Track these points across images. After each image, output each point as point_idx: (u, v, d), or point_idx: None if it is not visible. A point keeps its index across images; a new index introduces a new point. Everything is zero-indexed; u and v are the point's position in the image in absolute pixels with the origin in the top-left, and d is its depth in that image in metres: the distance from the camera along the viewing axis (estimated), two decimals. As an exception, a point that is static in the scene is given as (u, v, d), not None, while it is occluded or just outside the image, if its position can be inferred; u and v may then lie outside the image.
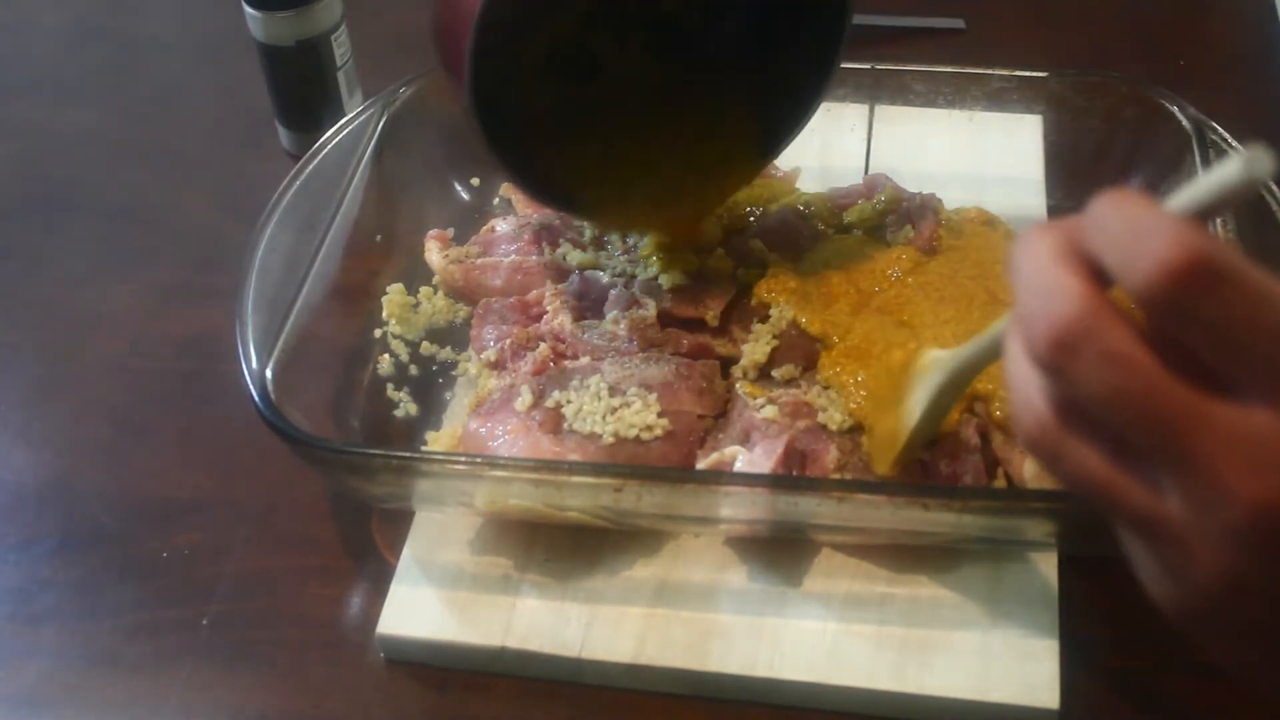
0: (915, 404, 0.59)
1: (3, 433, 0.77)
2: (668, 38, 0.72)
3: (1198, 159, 0.72)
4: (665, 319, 0.71)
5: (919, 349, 0.63)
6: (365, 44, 0.91)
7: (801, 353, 0.69)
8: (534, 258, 0.77)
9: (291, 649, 0.65)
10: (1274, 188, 0.67)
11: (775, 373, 0.69)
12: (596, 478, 0.61)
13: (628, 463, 0.64)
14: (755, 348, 0.69)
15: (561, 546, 0.66)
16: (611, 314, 0.72)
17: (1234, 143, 0.72)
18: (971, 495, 0.62)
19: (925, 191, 0.76)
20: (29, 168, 0.96)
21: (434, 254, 0.79)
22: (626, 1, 0.71)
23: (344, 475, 0.66)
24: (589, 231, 0.78)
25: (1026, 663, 0.60)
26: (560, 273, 0.76)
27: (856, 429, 0.65)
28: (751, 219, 0.77)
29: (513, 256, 0.77)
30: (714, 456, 0.65)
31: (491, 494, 0.62)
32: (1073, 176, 0.82)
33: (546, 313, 0.73)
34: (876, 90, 0.83)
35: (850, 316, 0.69)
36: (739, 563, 0.65)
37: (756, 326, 0.70)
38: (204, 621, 0.67)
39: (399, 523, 0.68)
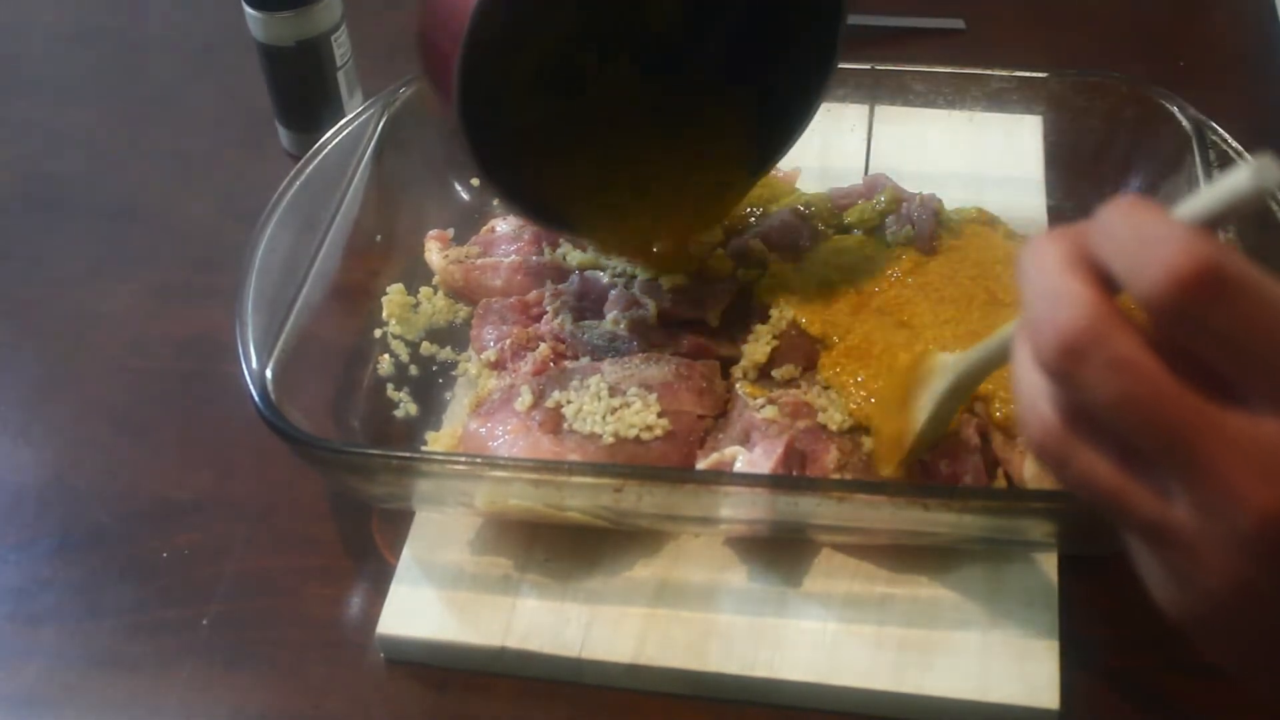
0: (922, 407, 0.59)
1: (3, 433, 0.77)
2: (657, 53, 0.72)
3: (1198, 159, 0.72)
4: (665, 319, 0.71)
5: (925, 351, 0.63)
6: (365, 44, 0.91)
7: (801, 353, 0.69)
8: (534, 258, 0.77)
9: (291, 649, 0.65)
10: (1278, 194, 0.67)
11: (775, 373, 0.69)
12: (596, 478, 0.61)
13: (628, 463, 0.64)
14: (755, 348, 0.69)
15: (561, 546, 0.66)
16: (611, 314, 0.72)
17: (1234, 143, 0.72)
18: (971, 495, 0.62)
19: (925, 191, 0.76)
20: (29, 168, 0.96)
21: (434, 254, 0.79)
22: (614, 17, 0.70)
23: (344, 475, 0.66)
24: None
25: (1026, 663, 0.60)
26: (560, 273, 0.76)
27: (856, 429, 0.65)
28: (751, 219, 0.77)
29: (513, 256, 0.77)
30: (714, 456, 0.65)
31: (491, 494, 0.62)
32: (1073, 176, 0.82)
33: (546, 313, 0.73)
34: (876, 90, 0.83)
35: (850, 316, 0.69)
36: (739, 563, 0.65)
37: (756, 326, 0.70)
38: (204, 621, 0.67)
39: (399, 523, 0.68)
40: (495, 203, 0.85)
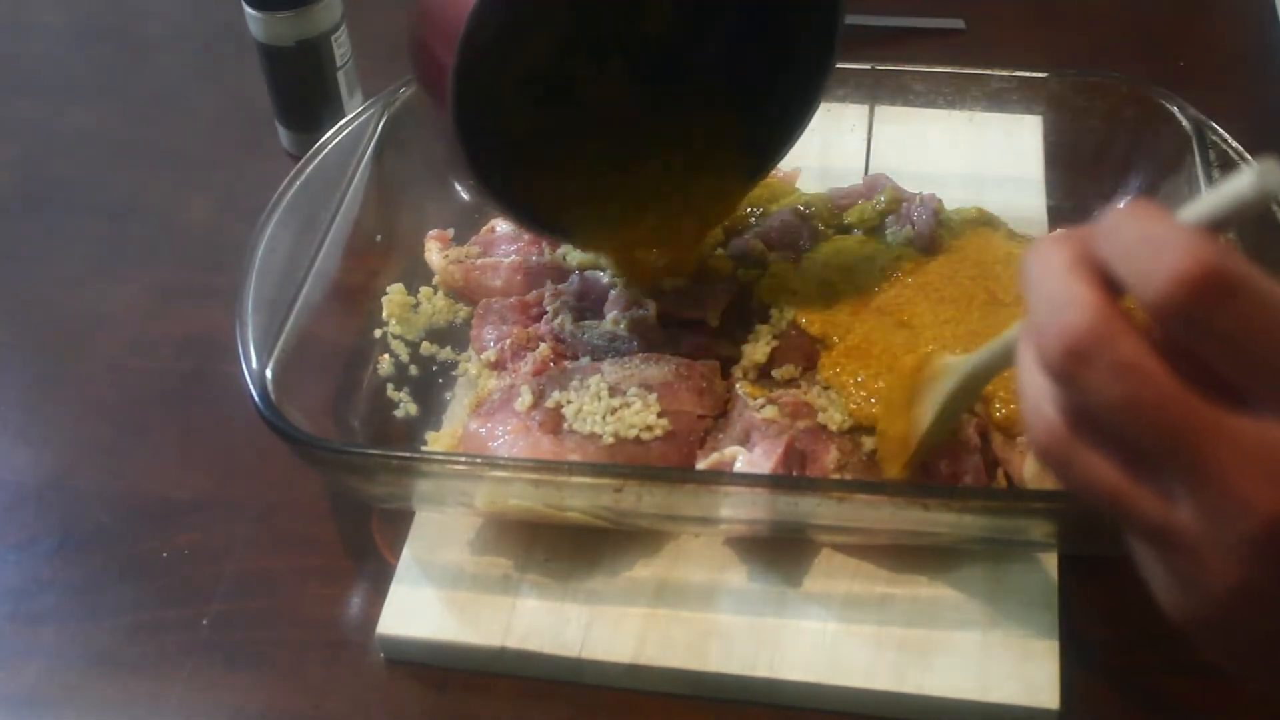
0: (927, 409, 0.59)
1: (3, 433, 0.77)
2: (653, 58, 0.71)
3: (1198, 159, 0.72)
4: (665, 319, 0.71)
5: (931, 353, 0.63)
6: (365, 44, 0.91)
7: (801, 353, 0.69)
8: (534, 258, 0.77)
9: (291, 649, 0.65)
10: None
11: (775, 373, 0.69)
12: (596, 478, 0.61)
13: (628, 463, 0.64)
14: (755, 348, 0.69)
15: (561, 546, 0.66)
16: (611, 314, 0.72)
17: (1234, 143, 0.72)
18: (971, 495, 0.62)
19: (925, 191, 0.76)
20: (29, 168, 0.96)
21: (434, 254, 0.79)
22: (608, 23, 0.70)
23: (344, 475, 0.66)
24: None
25: (1026, 663, 0.60)
26: (560, 273, 0.76)
27: (856, 429, 0.65)
28: (751, 219, 0.77)
29: (513, 256, 0.77)
30: (714, 456, 0.65)
31: (491, 494, 0.62)
32: (1073, 176, 0.82)
33: (546, 313, 0.73)
34: (876, 90, 0.83)
35: (850, 316, 0.69)
36: (739, 563, 0.65)
37: (756, 326, 0.70)
38: (204, 621, 0.67)
39: (399, 523, 0.68)
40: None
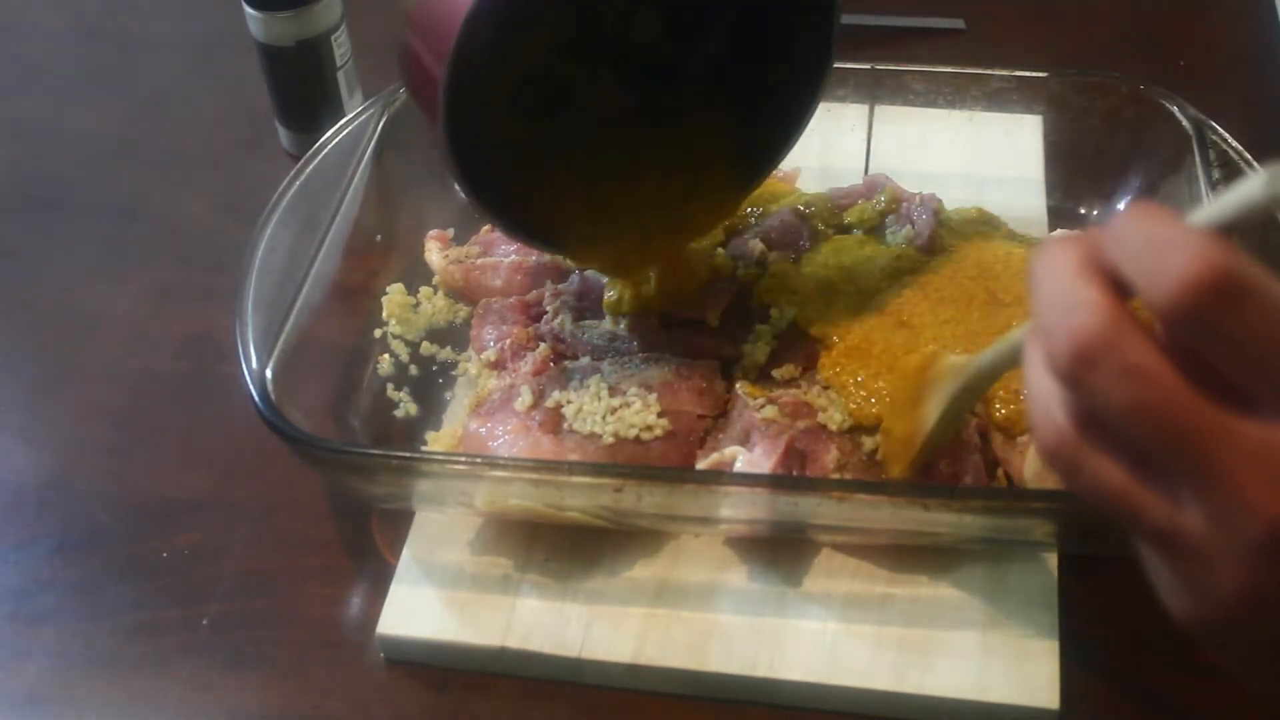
0: (932, 409, 0.59)
1: (3, 433, 0.77)
2: (646, 65, 0.71)
3: (1198, 159, 0.72)
4: (665, 319, 0.71)
5: (935, 353, 0.63)
6: (365, 44, 0.91)
7: (801, 353, 0.69)
8: (534, 258, 0.77)
9: (291, 649, 0.65)
10: None
11: (775, 373, 0.69)
12: (596, 478, 0.61)
13: (628, 463, 0.64)
14: (755, 348, 0.69)
15: (561, 546, 0.66)
16: (611, 314, 0.72)
17: (1234, 143, 0.72)
18: (971, 495, 0.62)
19: (925, 191, 0.76)
20: (29, 168, 0.96)
21: (434, 254, 0.79)
22: (601, 31, 0.69)
23: (344, 475, 0.66)
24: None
25: (1026, 663, 0.60)
26: (560, 273, 0.76)
27: (856, 429, 0.65)
28: (751, 219, 0.77)
29: (513, 256, 0.77)
30: (714, 456, 0.65)
31: (491, 494, 0.62)
32: (1073, 176, 0.82)
33: (546, 313, 0.73)
34: (876, 90, 0.83)
35: (850, 316, 0.69)
36: (739, 563, 0.65)
37: (756, 326, 0.70)
38: (204, 621, 0.67)
39: (399, 523, 0.68)
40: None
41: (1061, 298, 0.37)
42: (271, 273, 0.69)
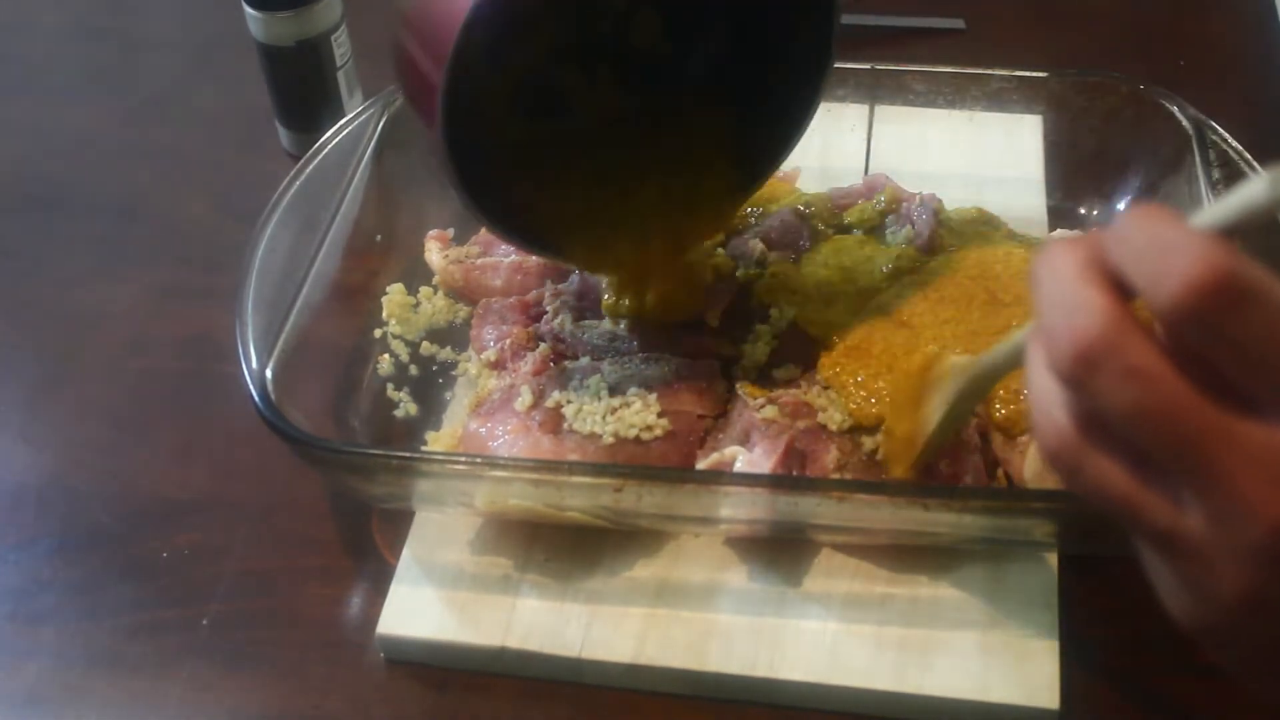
0: (934, 409, 0.59)
1: (3, 433, 0.77)
2: (644, 69, 0.70)
3: (1198, 159, 0.72)
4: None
5: (938, 354, 0.63)
6: (365, 44, 0.91)
7: (801, 353, 0.69)
8: (534, 258, 0.77)
9: (291, 649, 0.65)
10: None
11: (775, 373, 0.69)
12: (596, 478, 0.61)
13: (628, 463, 0.64)
14: (755, 348, 0.69)
15: (561, 546, 0.66)
16: (611, 314, 0.72)
17: (1234, 143, 0.72)
18: (971, 495, 0.62)
19: (925, 191, 0.76)
20: (29, 168, 0.96)
21: (434, 254, 0.79)
22: (599, 34, 0.69)
23: (344, 475, 0.66)
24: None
25: (1026, 663, 0.60)
26: (560, 273, 0.76)
27: (856, 429, 0.65)
28: (751, 219, 0.77)
29: (513, 256, 0.77)
30: (714, 456, 0.65)
31: (491, 494, 0.62)
32: (1073, 176, 0.82)
33: (546, 313, 0.73)
34: (876, 90, 0.83)
35: (850, 316, 0.69)
36: (739, 563, 0.65)
37: (756, 326, 0.70)
38: (204, 621, 0.67)
39: (399, 523, 0.68)
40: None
41: (1063, 299, 0.37)
42: (271, 273, 0.69)
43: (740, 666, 0.61)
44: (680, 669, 0.61)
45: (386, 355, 0.75)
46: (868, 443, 0.64)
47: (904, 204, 0.75)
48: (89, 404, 0.78)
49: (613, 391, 0.66)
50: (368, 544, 0.69)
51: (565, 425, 0.65)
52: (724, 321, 0.71)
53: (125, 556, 0.70)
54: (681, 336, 0.70)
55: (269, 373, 0.64)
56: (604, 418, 0.65)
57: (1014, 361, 0.51)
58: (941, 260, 0.72)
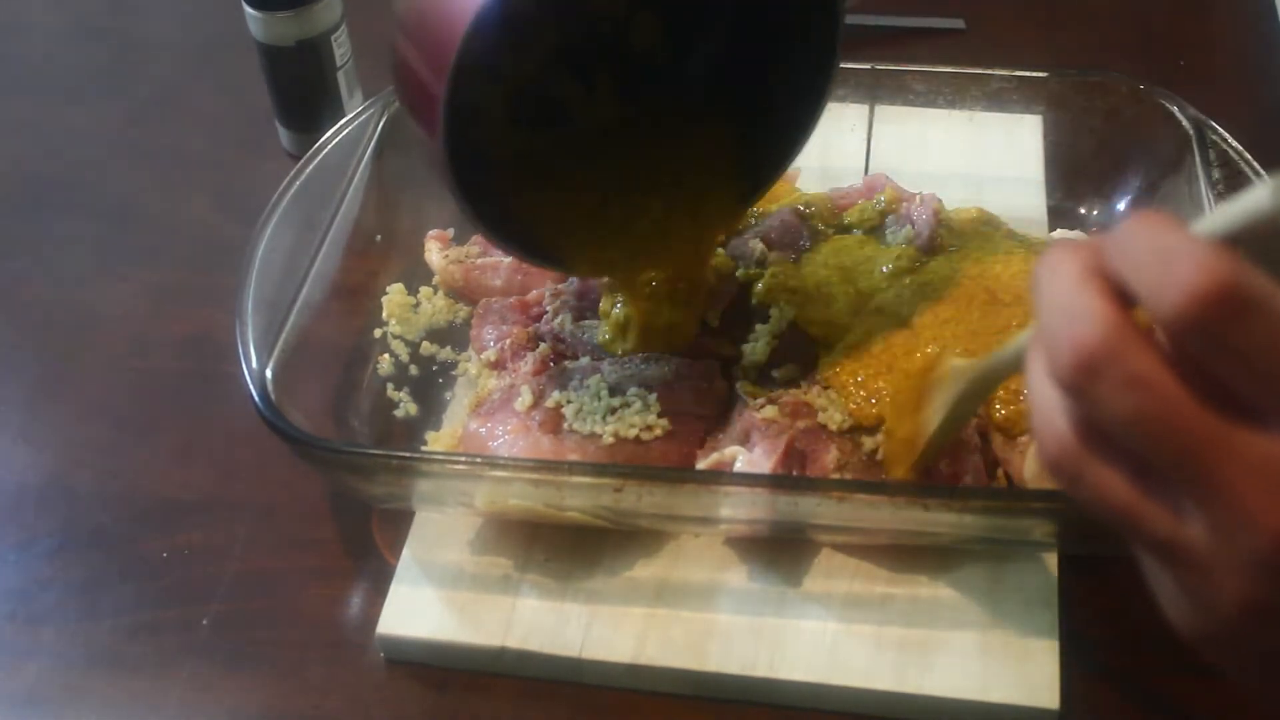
0: (935, 411, 0.59)
1: (3, 433, 0.77)
2: (645, 76, 0.69)
3: (1198, 159, 0.72)
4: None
5: (939, 355, 0.63)
6: (365, 44, 0.91)
7: (801, 353, 0.69)
8: (534, 258, 0.77)
9: (291, 649, 0.65)
10: None
11: (775, 373, 0.69)
12: (596, 478, 0.61)
13: (628, 463, 0.64)
14: (755, 348, 0.69)
15: (561, 546, 0.66)
16: (611, 314, 0.72)
17: (1234, 143, 0.72)
18: (971, 495, 0.62)
19: (925, 191, 0.76)
20: (29, 168, 0.96)
21: (434, 254, 0.79)
22: (600, 42, 0.68)
23: (344, 475, 0.66)
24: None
25: (1026, 663, 0.60)
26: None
27: (856, 429, 0.65)
28: (752, 219, 0.76)
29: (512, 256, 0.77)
30: (714, 456, 0.65)
31: (491, 494, 0.62)
32: (1073, 176, 0.82)
33: (546, 313, 0.73)
34: (876, 90, 0.83)
35: (850, 316, 0.69)
36: (739, 563, 0.65)
37: (756, 326, 0.70)
38: (204, 621, 0.67)
39: (399, 523, 0.68)
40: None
41: (1064, 306, 0.36)
42: (271, 273, 0.69)
43: (740, 666, 0.61)
44: (680, 669, 0.61)
45: (386, 355, 0.75)
46: (868, 443, 0.64)
47: (904, 204, 0.75)
48: (89, 404, 0.78)
49: (613, 391, 0.66)
50: (368, 544, 0.69)
51: (565, 425, 0.65)
52: (724, 321, 0.71)
53: (125, 556, 0.70)
54: (681, 336, 0.70)
55: (269, 373, 0.64)
56: (604, 418, 0.65)
57: (1015, 365, 0.51)
58: (941, 260, 0.72)
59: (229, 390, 0.68)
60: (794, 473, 0.63)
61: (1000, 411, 0.65)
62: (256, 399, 0.63)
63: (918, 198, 0.75)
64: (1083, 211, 0.81)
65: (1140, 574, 0.40)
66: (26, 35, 1.11)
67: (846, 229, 0.76)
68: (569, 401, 0.66)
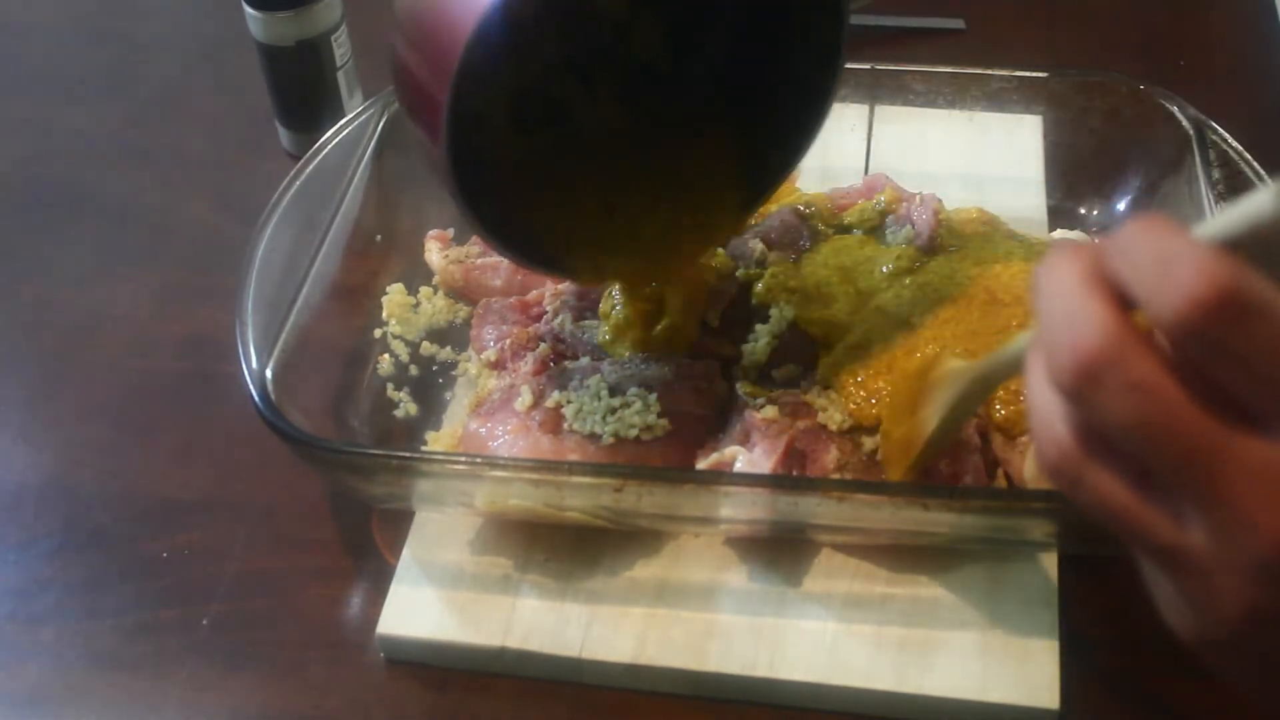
0: (932, 413, 0.59)
1: (3, 433, 0.77)
2: (648, 81, 0.69)
3: (1198, 159, 0.72)
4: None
5: (937, 357, 0.63)
6: (365, 44, 0.91)
7: (801, 353, 0.69)
8: (534, 258, 0.77)
9: (291, 649, 0.65)
10: None
11: (775, 373, 0.69)
12: (596, 478, 0.61)
13: (628, 463, 0.64)
14: (755, 348, 0.69)
15: (561, 546, 0.66)
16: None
17: (1234, 143, 0.72)
18: (971, 495, 0.62)
19: (925, 191, 0.76)
20: (29, 168, 0.96)
21: (434, 254, 0.79)
22: (602, 48, 0.67)
23: (344, 475, 0.66)
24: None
25: (1026, 663, 0.60)
26: (560, 273, 0.76)
27: (856, 429, 0.65)
28: (752, 219, 0.76)
29: (513, 256, 0.77)
30: (714, 456, 0.65)
31: (491, 494, 0.62)
32: (1073, 176, 0.82)
33: (546, 313, 0.73)
34: (876, 90, 0.83)
35: (850, 316, 0.69)
36: (739, 563, 0.65)
37: (756, 326, 0.70)
38: (204, 621, 0.67)
39: (399, 523, 0.68)
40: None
41: (1065, 311, 0.36)
42: (271, 273, 0.69)
43: (740, 666, 0.61)
44: (680, 669, 0.61)
45: (386, 355, 0.75)
46: (868, 443, 0.64)
47: (904, 204, 0.75)
48: (89, 404, 0.78)
49: (613, 391, 0.66)
50: (368, 544, 0.69)
51: (565, 425, 0.65)
52: (724, 321, 0.71)
53: (125, 556, 0.70)
54: (681, 336, 0.70)
55: (269, 373, 0.64)
56: (604, 418, 0.65)
57: (1014, 368, 0.51)
58: (941, 260, 0.72)
59: (229, 390, 0.68)
60: (794, 473, 0.63)
61: (1000, 411, 0.65)
62: (256, 399, 0.63)
63: (918, 198, 0.75)
64: (1083, 211, 0.81)
65: (1140, 574, 0.40)
66: (26, 35, 1.11)
67: (846, 229, 0.76)
68: (569, 401, 0.66)
